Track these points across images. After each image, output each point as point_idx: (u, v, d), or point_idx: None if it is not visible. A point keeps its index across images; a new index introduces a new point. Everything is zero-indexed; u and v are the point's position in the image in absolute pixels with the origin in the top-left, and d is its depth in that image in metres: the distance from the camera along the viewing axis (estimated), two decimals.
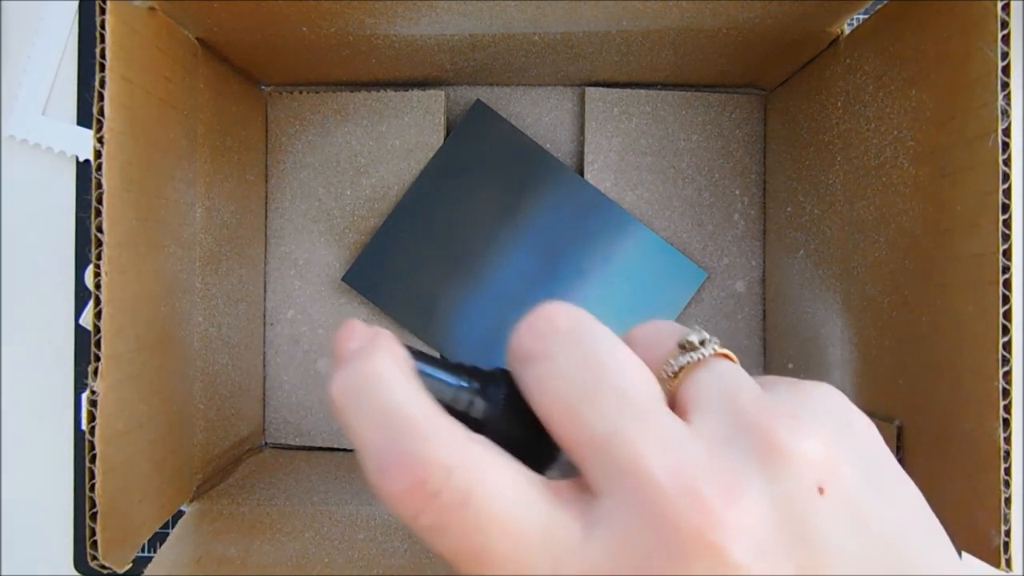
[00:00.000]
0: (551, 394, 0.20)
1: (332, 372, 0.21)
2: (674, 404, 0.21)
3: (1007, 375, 0.30)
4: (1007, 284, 0.30)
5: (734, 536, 0.17)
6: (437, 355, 0.57)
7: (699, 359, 0.21)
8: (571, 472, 0.21)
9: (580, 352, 0.20)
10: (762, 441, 0.19)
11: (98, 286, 0.33)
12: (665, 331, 0.23)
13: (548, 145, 0.59)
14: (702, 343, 0.22)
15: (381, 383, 0.20)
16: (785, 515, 0.18)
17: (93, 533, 0.33)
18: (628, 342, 0.22)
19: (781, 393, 0.21)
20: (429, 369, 0.22)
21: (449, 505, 0.18)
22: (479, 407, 0.22)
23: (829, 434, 0.19)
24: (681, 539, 0.17)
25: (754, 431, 0.19)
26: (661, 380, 0.21)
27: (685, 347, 0.22)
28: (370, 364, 0.21)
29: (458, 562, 0.19)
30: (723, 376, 0.21)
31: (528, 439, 0.21)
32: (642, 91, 0.58)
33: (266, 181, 0.59)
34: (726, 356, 0.22)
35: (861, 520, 0.19)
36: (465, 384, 0.23)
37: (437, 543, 0.19)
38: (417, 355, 0.22)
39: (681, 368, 0.21)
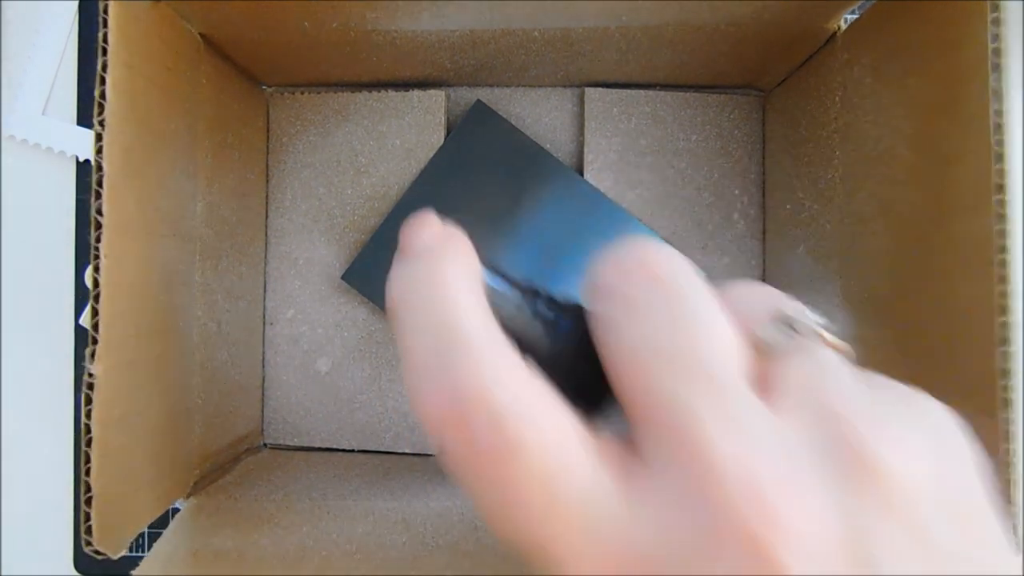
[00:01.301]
0: (626, 342, 0.18)
1: (396, 262, 0.20)
2: (762, 380, 0.19)
3: (1005, 355, 0.30)
4: (1002, 264, 0.30)
5: (786, 540, 0.16)
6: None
7: (800, 344, 0.19)
8: (619, 426, 0.19)
9: (670, 307, 0.18)
10: (849, 449, 0.17)
11: (97, 268, 0.33)
12: (768, 300, 0.21)
13: (548, 145, 0.59)
14: (806, 325, 0.20)
15: (446, 290, 0.19)
16: (851, 533, 0.16)
17: (88, 518, 0.33)
18: (724, 301, 0.20)
19: (885, 398, 0.19)
20: (501, 286, 0.21)
21: (488, 447, 0.17)
22: (546, 340, 0.21)
23: (925, 457, 0.17)
24: (728, 531, 0.16)
25: (843, 436, 0.17)
26: (756, 351, 0.19)
27: (787, 324, 0.20)
28: (438, 266, 0.19)
29: (479, 501, 0.18)
30: (824, 368, 0.19)
31: (586, 382, 0.20)
32: (642, 91, 0.58)
33: (267, 180, 0.59)
34: (832, 345, 0.20)
35: (932, 558, 0.16)
36: (538, 312, 0.21)
37: (459, 473, 0.18)
38: (491, 269, 0.21)
39: (778, 347, 0.19)
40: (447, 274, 0.19)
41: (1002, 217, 0.30)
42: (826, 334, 0.20)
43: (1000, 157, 0.30)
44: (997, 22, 0.30)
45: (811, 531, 0.16)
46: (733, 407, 0.17)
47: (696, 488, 0.16)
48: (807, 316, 0.20)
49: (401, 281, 0.19)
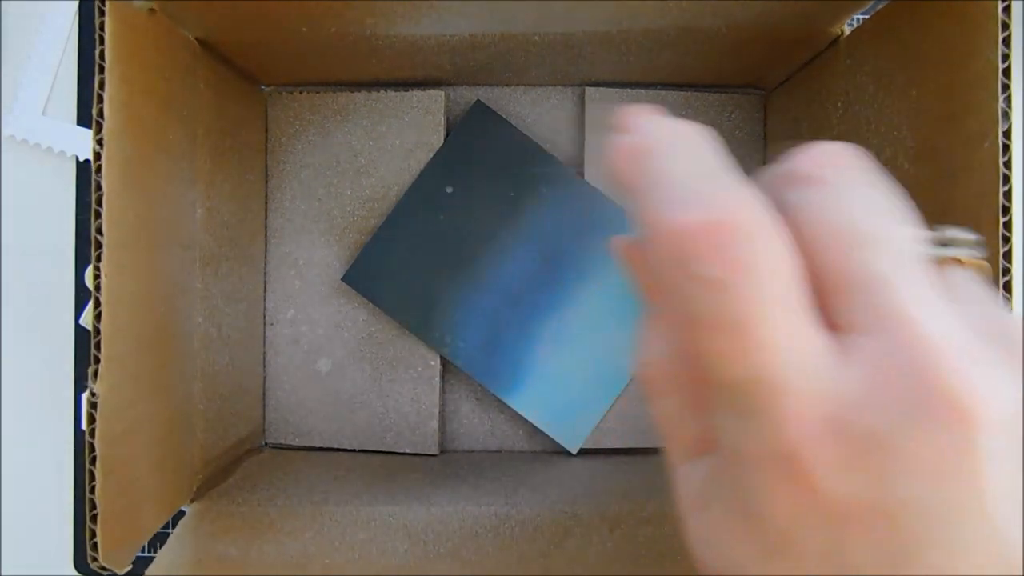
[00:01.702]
0: (826, 222, 0.19)
1: (626, 130, 0.21)
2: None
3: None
4: (1007, 286, 0.30)
5: (988, 422, 0.17)
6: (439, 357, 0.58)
7: (963, 258, 0.21)
8: None
9: (864, 189, 0.20)
10: (1016, 348, 0.18)
11: (98, 287, 0.33)
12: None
13: (548, 145, 0.59)
14: (964, 243, 0.22)
15: (703, 143, 0.20)
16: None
17: (93, 535, 0.33)
18: None
19: None
20: None
21: (736, 266, 0.17)
22: None
23: None
24: (936, 400, 0.17)
25: (1010, 336, 0.19)
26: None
27: (948, 241, 0.22)
28: (692, 128, 0.21)
29: (698, 324, 0.18)
30: (983, 285, 0.21)
31: None
32: (642, 91, 0.58)
33: (266, 181, 0.59)
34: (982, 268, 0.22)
35: None
36: None
37: (690, 298, 0.18)
38: None
39: (942, 259, 0.21)
40: (695, 130, 0.21)
41: (1007, 239, 0.29)
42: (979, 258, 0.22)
43: (1007, 178, 0.30)
44: (1008, 41, 0.30)
45: (1003, 419, 0.17)
46: (928, 289, 0.18)
47: (905, 354, 0.17)
48: (973, 237, 0.22)
49: (650, 135, 0.21)
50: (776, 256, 0.18)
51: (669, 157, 0.20)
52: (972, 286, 0.21)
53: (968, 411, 0.17)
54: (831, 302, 0.19)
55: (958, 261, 0.21)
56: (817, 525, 0.18)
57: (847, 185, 0.20)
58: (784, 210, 0.20)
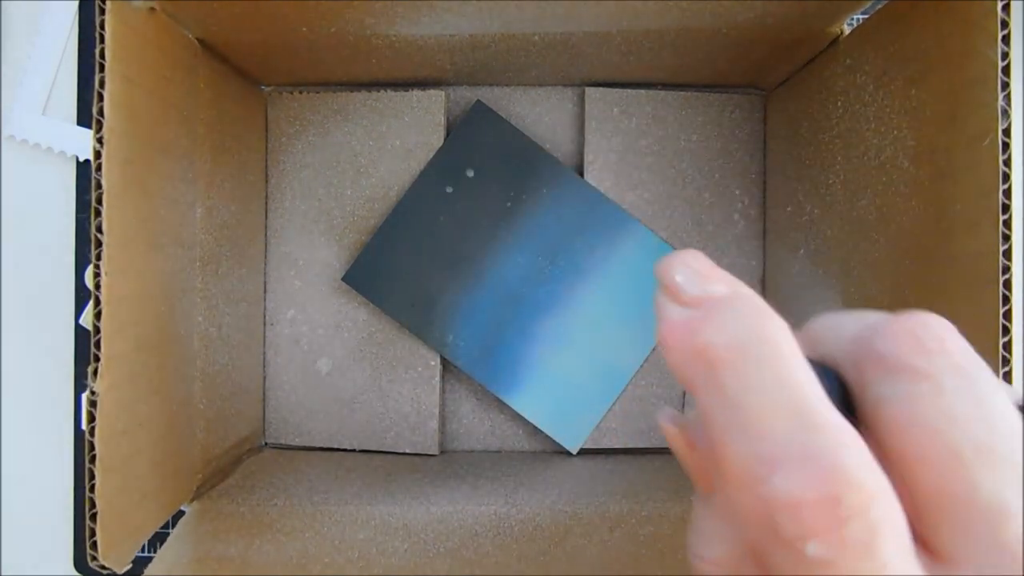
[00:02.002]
0: (928, 430, 0.17)
1: (679, 298, 0.18)
2: None
3: (1007, 375, 0.30)
4: (1007, 284, 0.30)
5: None
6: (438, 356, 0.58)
7: None
8: None
9: (976, 393, 0.17)
10: None
11: (98, 286, 0.33)
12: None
13: (548, 145, 0.59)
14: None
15: (783, 355, 0.17)
16: None
17: (93, 533, 0.33)
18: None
19: None
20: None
21: (850, 542, 0.15)
22: None
23: None
24: None
25: None
26: None
27: None
28: (769, 325, 0.18)
29: None
30: None
31: None
32: (642, 91, 0.58)
33: (266, 181, 0.59)
34: None
35: None
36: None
37: (787, 565, 0.16)
38: None
39: None
40: (779, 335, 0.17)
41: (1007, 237, 0.29)
42: None
43: (1007, 177, 0.30)
44: (1008, 40, 0.30)
45: None
46: None
47: None
48: None
49: (719, 334, 0.18)
50: (892, 524, 0.16)
51: (752, 379, 0.17)
52: None
53: None
54: (929, 522, 0.17)
55: None
56: None
57: (951, 380, 0.17)
58: (871, 403, 0.18)
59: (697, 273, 0.19)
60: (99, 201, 0.33)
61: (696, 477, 0.21)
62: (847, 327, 0.19)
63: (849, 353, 0.19)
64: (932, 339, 0.18)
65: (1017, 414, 0.17)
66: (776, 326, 0.18)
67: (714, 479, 0.20)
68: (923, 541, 0.17)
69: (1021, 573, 0.16)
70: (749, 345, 0.17)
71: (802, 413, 0.16)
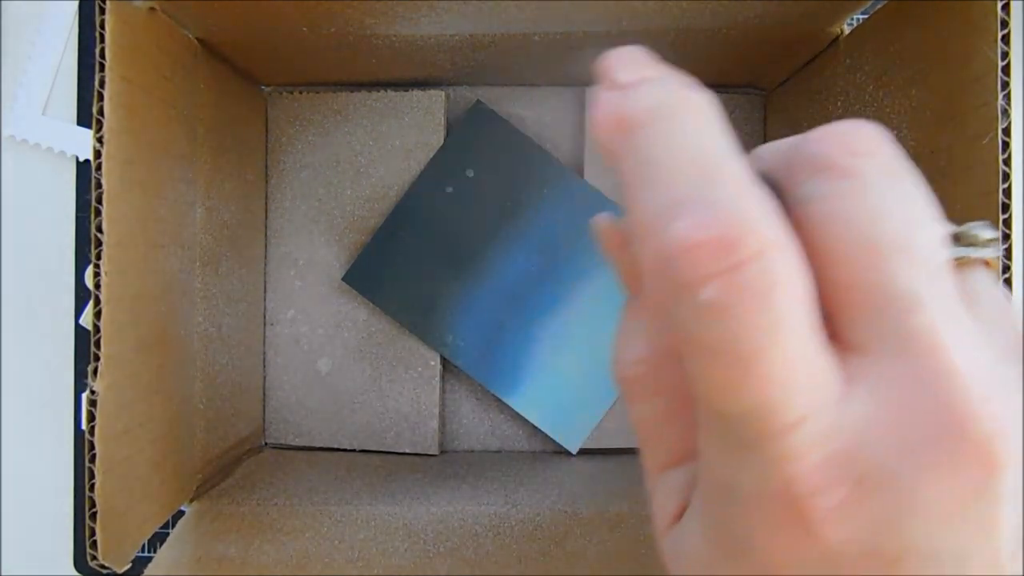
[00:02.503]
0: (850, 225, 0.17)
1: (611, 85, 0.18)
2: None
3: None
4: (1007, 284, 0.30)
5: (1009, 464, 0.15)
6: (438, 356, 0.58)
7: (983, 259, 0.19)
8: None
9: (899, 190, 0.17)
10: None
11: (98, 286, 0.33)
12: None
13: (548, 145, 0.59)
14: (988, 243, 0.19)
15: (704, 120, 0.17)
16: None
17: (93, 533, 0.33)
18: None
19: None
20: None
21: (743, 290, 0.15)
22: None
23: None
24: (959, 442, 0.15)
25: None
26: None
27: (965, 238, 0.19)
28: (692, 92, 0.17)
29: (695, 347, 0.16)
30: (1002, 290, 0.19)
31: None
32: None
33: (266, 181, 0.59)
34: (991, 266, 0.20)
35: None
36: None
37: (687, 318, 0.16)
38: None
39: (963, 260, 0.19)
40: (702, 104, 0.17)
41: (1007, 237, 0.29)
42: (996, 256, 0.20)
43: (1007, 176, 0.30)
44: (1007, 39, 0.30)
45: (1020, 444, 0.16)
46: (956, 310, 0.17)
47: (927, 388, 0.16)
48: (990, 231, 0.19)
49: (640, 102, 0.17)
50: (789, 278, 0.16)
51: (663, 136, 0.17)
52: (993, 293, 0.19)
53: (993, 455, 0.15)
54: (843, 315, 0.17)
55: (985, 263, 0.19)
56: (814, 567, 0.16)
57: (876, 179, 0.17)
58: (799, 201, 0.18)
59: (632, 62, 0.19)
60: (99, 201, 0.33)
61: (625, 277, 0.22)
62: (784, 142, 0.19)
63: (782, 161, 0.19)
64: (863, 141, 0.18)
65: (928, 207, 0.17)
66: (699, 94, 0.17)
67: (634, 276, 0.20)
68: (835, 336, 0.17)
69: (926, 359, 0.16)
70: (667, 106, 0.17)
71: (709, 168, 0.16)
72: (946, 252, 0.17)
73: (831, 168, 0.17)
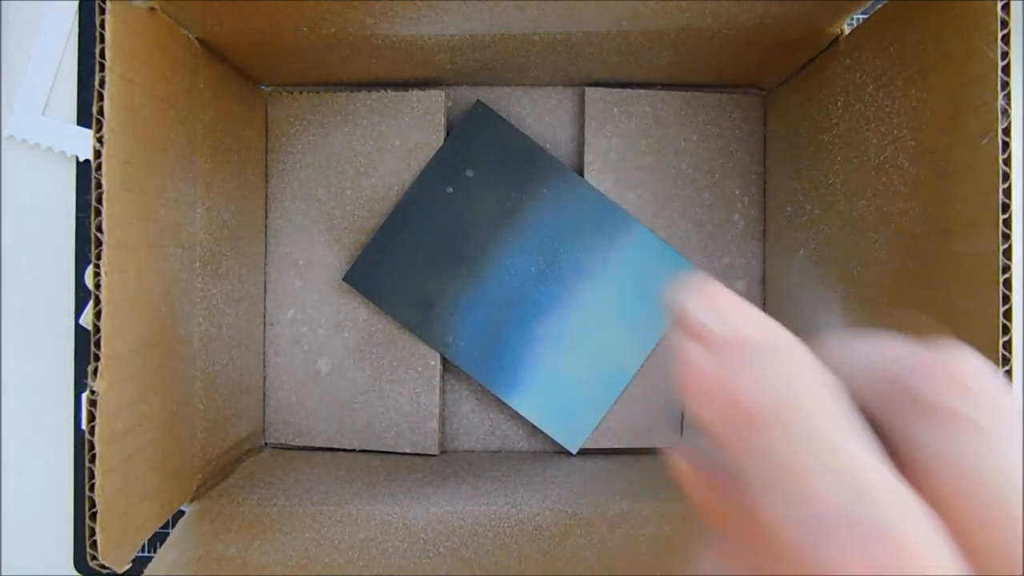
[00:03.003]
0: (974, 475, 0.16)
1: (700, 337, 0.17)
2: None
3: (1007, 374, 0.30)
4: (1007, 284, 0.30)
5: None
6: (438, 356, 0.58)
7: None
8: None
9: (1014, 435, 0.16)
10: None
11: (98, 286, 0.33)
12: None
13: (548, 145, 0.59)
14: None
15: (830, 414, 0.16)
16: None
17: (93, 533, 0.33)
18: None
19: None
20: None
21: None
22: None
23: None
24: None
25: None
26: None
27: None
28: (811, 378, 0.16)
29: None
30: None
31: None
32: (642, 91, 0.58)
33: (266, 181, 0.59)
34: None
35: None
36: None
37: None
38: None
39: None
40: (832, 399, 0.16)
41: (1007, 236, 0.29)
42: None
43: (1007, 176, 0.30)
44: (1007, 39, 0.30)
45: None
46: None
47: None
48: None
49: (760, 388, 0.16)
50: None
51: (792, 437, 0.16)
52: None
53: None
54: (986, 565, 0.16)
55: None
56: None
57: (993, 423, 0.16)
58: (908, 443, 0.16)
59: (722, 311, 0.17)
60: (99, 201, 0.33)
61: (706, 514, 0.20)
62: (870, 358, 0.18)
63: (877, 390, 0.17)
64: (969, 378, 0.17)
65: None
66: (819, 380, 0.16)
67: (728, 523, 0.19)
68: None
69: None
70: (791, 402, 0.16)
71: (854, 477, 0.15)
72: None
73: (942, 412, 0.16)
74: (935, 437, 0.16)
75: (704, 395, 0.17)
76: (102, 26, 0.34)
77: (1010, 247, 0.30)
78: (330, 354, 0.58)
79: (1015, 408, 0.16)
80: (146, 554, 0.56)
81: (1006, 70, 0.30)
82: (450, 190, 0.57)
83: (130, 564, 0.36)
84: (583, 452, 0.57)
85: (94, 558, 0.33)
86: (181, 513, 0.45)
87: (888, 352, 0.18)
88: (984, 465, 0.16)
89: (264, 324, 0.58)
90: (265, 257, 0.59)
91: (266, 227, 0.59)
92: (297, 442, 0.59)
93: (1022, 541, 0.15)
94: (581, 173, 0.58)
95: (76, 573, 0.58)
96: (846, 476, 0.15)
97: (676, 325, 0.17)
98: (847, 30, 0.46)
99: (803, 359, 0.17)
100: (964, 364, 0.17)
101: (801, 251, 0.51)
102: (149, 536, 0.40)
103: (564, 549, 0.42)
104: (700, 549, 0.20)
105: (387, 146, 0.58)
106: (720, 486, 0.19)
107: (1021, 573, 0.15)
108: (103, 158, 0.33)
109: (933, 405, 0.16)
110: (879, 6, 0.42)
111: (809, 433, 0.15)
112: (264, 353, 0.59)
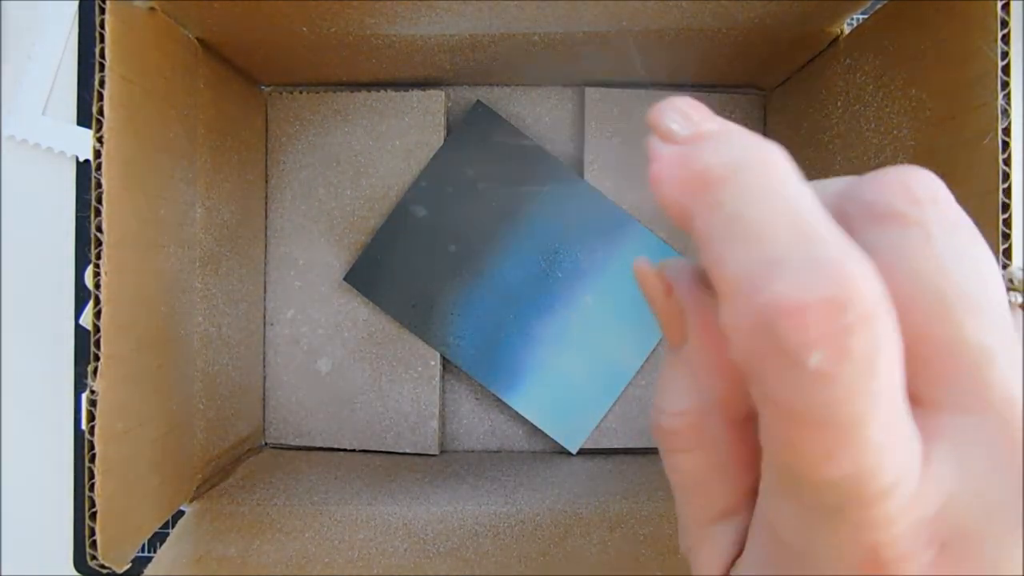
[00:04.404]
0: (923, 279, 0.16)
1: (670, 138, 0.17)
2: None
3: None
4: None
5: None
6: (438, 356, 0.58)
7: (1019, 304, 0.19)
8: None
9: (964, 240, 0.17)
10: None
11: (98, 286, 0.33)
12: None
13: (548, 145, 0.59)
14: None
15: (783, 171, 0.16)
16: None
17: (92, 533, 0.33)
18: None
19: None
20: None
21: (855, 352, 0.14)
22: None
23: None
24: None
25: None
26: None
27: (1018, 285, 0.19)
28: (766, 147, 0.17)
29: (789, 415, 0.15)
30: None
31: None
32: (642, 91, 0.58)
33: (266, 181, 0.59)
34: None
35: None
36: None
37: (782, 385, 0.15)
38: None
39: (1012, 304, 0.18)
40: (781, 161, 0.17)
41: (1007, 236, 0.29)
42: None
43: (1007, 176, 0.30)
44: (1007, 39, 0.30)
45: None
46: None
47: (1008, 440, 0.16)
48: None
49: (717, 158, 0.17)
50: (892, 343, 0.15)
51: (749, 190, 0.16)
52: None
53: None
54: (915, 370, 0.16)
55: (1021, 306, 0.19)
56: None
57: (939, 229, 0.17)
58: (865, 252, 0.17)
59: (689, 116, 0.18)
60: (99, 201, 0.33)
61: (668, 327, 0.21)
62: (833, 183, 0.19)
63: (835, 205, 0.18)
64: (922, 188, 0.17)
65: (998, 269, 0.17)
66: (773, 148, 0.17)
67: (687, 328, 0.20)
68: (910, 394, 0.16)
69: (1003, 416, 0.16)
70: (746, 163, 0.17)
71: (804, 223, 0.16)
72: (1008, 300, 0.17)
73: (893, 216, 0.17)
74: (882, 238, 0.17)
75: (668, 176, 0.17)
76: (102, 26, 0.34)
77: (1010, 247, 0.30)
78: (330, 354, 0.58)
79: (964, 220, 0.17)
80: (146, 554, 0.56)
81: (1006, 70, 0.30)
82: (450, 190, 0.57)
83: (130, 564, 0.36)
84: (583, 452, 0.57)
85: (94, 558, 0.33)
86: (181, 513, 0.45)
87: (848, 179, 0.19)
88: (930, 268, 0.16)
89: (264, 324, 0.58)
90: (265, 257, 0.59)
91: (266, 227, 0.59)
92: (297, 442, 0.59)
93: (953, 346, 0.16)
94: (581, 173, 0.58)
95: (76, 573, 0.58)
96: (799, 223, 0.15)
97: (652, 135, 0.18)
98: (847, 30, 0.46)
99: (758, 136, 0.17)
100: (917, 177, 0.18)
101: None
102: (149, 536, 0.40)
103: (564, 549, 0.42)
104: (661, 368, 0.21)
105: (387, 146, 0.58)
106: (684, 299, 0.20)
107: (950, 379, 0.16)
108: (103, 158, 0.33)
109: (884, 210, 0.17)
110: (879, 6, 0.42)
111: (764, 188, 0.16)
112: (264, 353, 0.59)
